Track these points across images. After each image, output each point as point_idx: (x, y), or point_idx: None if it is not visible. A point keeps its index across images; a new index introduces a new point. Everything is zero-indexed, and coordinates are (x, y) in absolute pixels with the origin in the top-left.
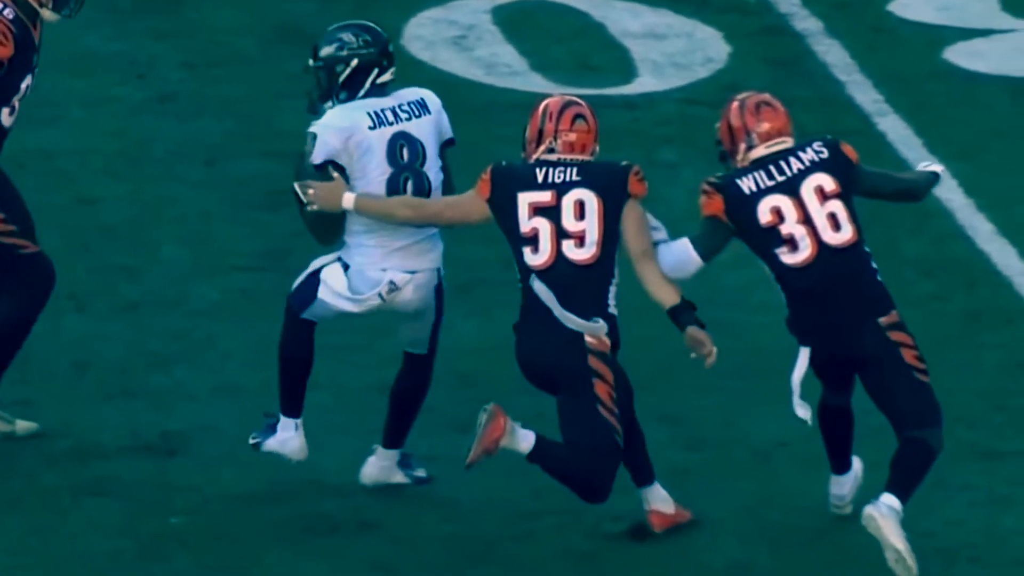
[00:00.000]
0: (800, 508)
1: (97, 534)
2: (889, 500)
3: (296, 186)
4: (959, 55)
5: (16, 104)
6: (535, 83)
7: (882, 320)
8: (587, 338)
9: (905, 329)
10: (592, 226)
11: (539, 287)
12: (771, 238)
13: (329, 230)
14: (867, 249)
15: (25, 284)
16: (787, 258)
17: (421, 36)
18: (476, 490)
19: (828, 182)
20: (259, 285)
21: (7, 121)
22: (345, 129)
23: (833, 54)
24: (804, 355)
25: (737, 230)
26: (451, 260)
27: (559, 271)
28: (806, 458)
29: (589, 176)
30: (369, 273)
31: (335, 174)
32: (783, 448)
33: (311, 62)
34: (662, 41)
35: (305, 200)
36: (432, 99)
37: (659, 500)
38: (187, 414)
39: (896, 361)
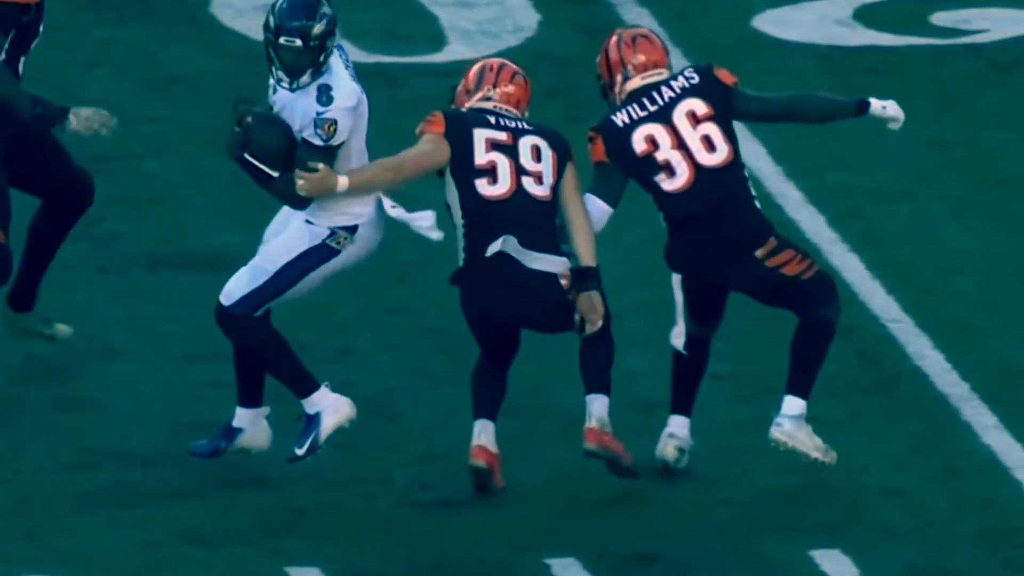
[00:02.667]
0: (610, 475)
1: None
2: (789, 408)
3: (297, 174)
4: (768, 23)
5: (31, 51)
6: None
7: (759, 252)
8: (560, 279)
9: (784, 246)
10: (548, 170)
11: (502, 242)
12: (648, 166)
13: (305, 197)
14: (745, 174)
15: (62, 214)
16: (666, 185)
17: (231, 4)
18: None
19: (700, 106)
20: (70, 253)
21: (21, 68)
22: (357, 106)
23: (643, 22)
24: (677, 283)
25: (621, 166)
26: (255, 229)
27: (520, 203)
28: (617, 426)
29: (538, 129)
30: (378, 218)
31: (320, 165)
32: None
33: (298, 43)
34: (471, 9)
35: (299, 190)
36: None
37: (491, 438)
38: None
39: (779, 280)
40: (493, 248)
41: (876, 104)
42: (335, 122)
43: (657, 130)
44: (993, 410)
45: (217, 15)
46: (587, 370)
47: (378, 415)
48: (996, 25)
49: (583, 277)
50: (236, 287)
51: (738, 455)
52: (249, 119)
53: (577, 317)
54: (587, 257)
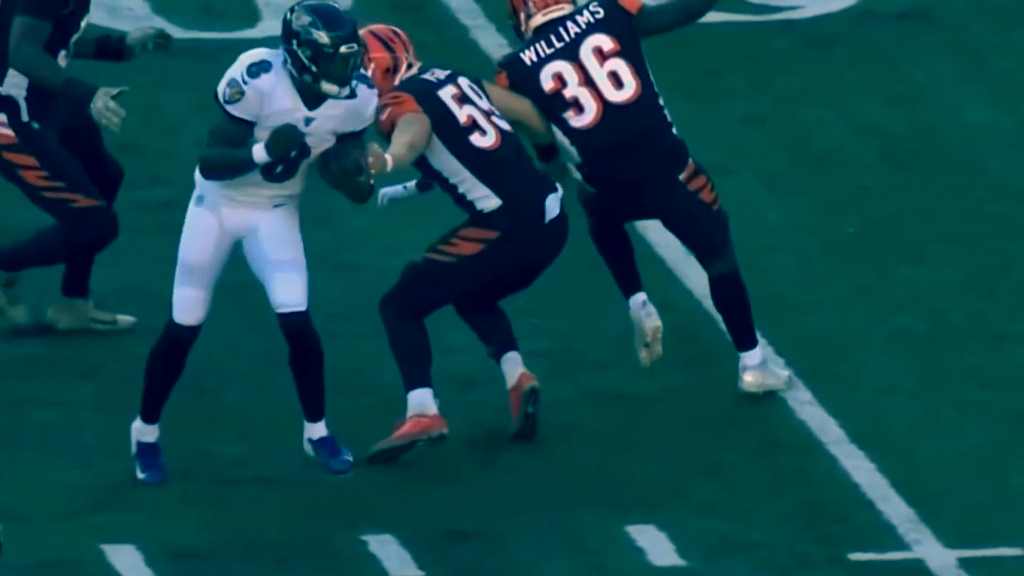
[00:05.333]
0: (430, 453)
1: None
2: (749, 360)
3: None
4: None
5: (71, 45)
6: (158, 27)
7: (682, 176)
8: None
9: (700, 171)
10: (488, 99)
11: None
12: (557, 103)
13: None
14: (660, 103)
15: (74, 233)
16: (575, 121)
17: None
18: (101, 436)
19: (606, 41)
20: None
21: (64, 63)
22: None
23: None
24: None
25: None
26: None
27: (509, 144)
28: (438, 400)
29: (453, 70)
30: None
31: (374, 146)
32: None
33: (355, 46)
34: None
35: (366, 176)
36: None
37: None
38: None
39: (697, 206)
40: (552, 213)
41: None
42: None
43: (565, 67)
44: (808, 385)
45: None
46: (498, 333)
47: (195, 392)
48: (810, 1)
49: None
50: (302, 291)
51: (557, 431)
52: (360, 162)
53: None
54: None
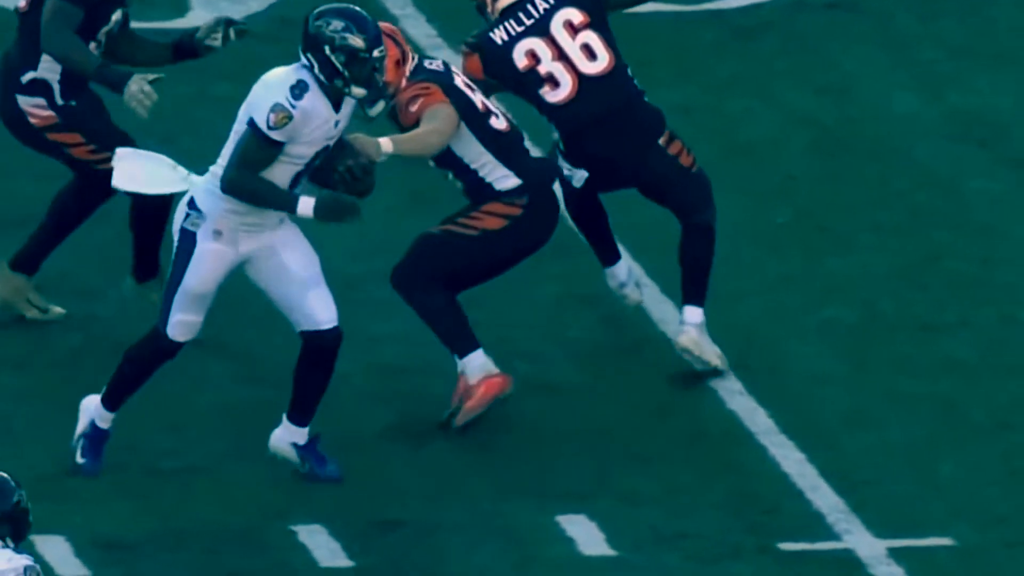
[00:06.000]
0: (358, 443)
1: None
2: (691, 316)
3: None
4: None
5: (103, 38)
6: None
7: (662, 141)
8: None
9: (675, 136)
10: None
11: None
12: (532, 81)
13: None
14: (630, 73)
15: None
16: (551, 97)
17: None
18: (30, 426)
19: (575, 15)
20: None
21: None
22: None
23: None
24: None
25: (500, 83)
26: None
27: (515, 126)
28: (365, 390)
29: (441, 60)
30: None
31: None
32: (345, 381)
33: (384, 47)
34: None
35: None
36: None
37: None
38: None
39: (676, 170)
40: (580, 180)
41: None
42: None
43: (537, 44)
44: (737, 375)
45: None
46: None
47: None
48: None
49: None
50: (334, 305)
51: (487, 421)
52: (369, 156)
53: None
54: None
